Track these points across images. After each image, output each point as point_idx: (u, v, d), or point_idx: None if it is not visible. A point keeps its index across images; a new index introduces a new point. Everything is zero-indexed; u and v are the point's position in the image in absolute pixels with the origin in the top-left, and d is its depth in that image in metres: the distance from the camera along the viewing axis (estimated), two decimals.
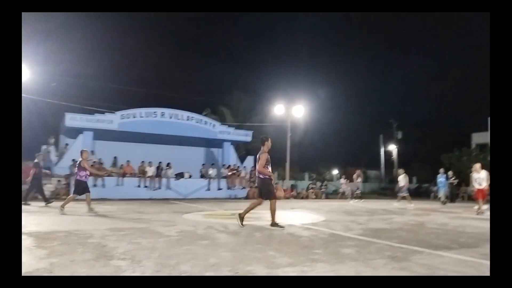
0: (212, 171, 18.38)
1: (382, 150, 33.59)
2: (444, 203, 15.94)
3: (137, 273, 3.24)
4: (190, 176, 18.12)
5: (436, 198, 17.77)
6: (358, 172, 18.64)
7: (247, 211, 6.79)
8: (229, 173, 18.64)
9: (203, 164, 19.13)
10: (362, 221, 8.16)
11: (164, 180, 17.07)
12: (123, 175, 16.40)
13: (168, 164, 17.59)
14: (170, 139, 18.72)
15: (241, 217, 6.69)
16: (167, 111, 18.29)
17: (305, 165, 32.99)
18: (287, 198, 18.58)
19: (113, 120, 17.03)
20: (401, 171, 16.40)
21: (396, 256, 4.24)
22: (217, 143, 20.42)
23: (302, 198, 19.16)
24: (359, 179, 18.37)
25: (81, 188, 8.89)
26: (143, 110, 17.81)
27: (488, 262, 3.98)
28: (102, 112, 17.50)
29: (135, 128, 17.35)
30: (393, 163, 32.98)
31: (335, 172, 34.59)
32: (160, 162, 17.43)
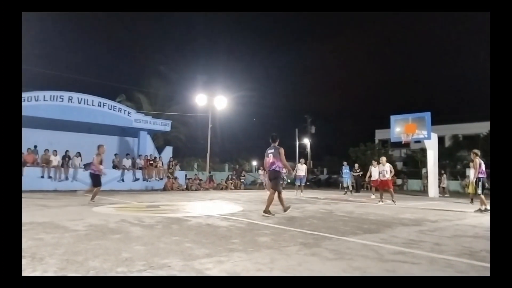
0: (126, 162, 17.44)
1: (297, 143, 35.26)
2: (345, 192, 17.44)
3: (38, 271, 2.92)
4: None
5: (342, 188, 19.29)
6: None
7: (282, 203, 7.54)
8: (145, 164, 17.89)
9: (116, 154, 18.04)
10: (277, 210, 8.47)
11: (71, 170, 15.73)
12: (23, 164, 14.72)
13: (77, 153, 16.23)
14: (79, 126, 17.25)
15: (267, 212, 7.25)
16: (76, 95, 16.78)
17: (225, 157, 33.24)
18: (206, 189, 18.50)
19: None
20: (302, 161, 17.49)
21: (308, 243, 4.49)
22: (133, 132, 19.40)
23: (221, 189, 19.25)
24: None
25: (99, 181, 9.57)
26: (48, 93, 16.07)
27: (386, 246, 4.43)
28: None
29: (38, 112, 15.57)
30: (307, 156, 34.89)
31: (254, 163, 35.44)
32: (67, 151, 16.00)
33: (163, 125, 20.00)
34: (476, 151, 9.75)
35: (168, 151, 20.74)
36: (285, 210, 7.50)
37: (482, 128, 34.24)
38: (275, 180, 7.50)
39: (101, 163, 9.63)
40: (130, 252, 3.75)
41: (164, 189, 16.98)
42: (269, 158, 7.54)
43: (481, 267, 3.49)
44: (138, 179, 17.45)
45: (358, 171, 19.27)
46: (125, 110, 18.55)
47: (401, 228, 6.12)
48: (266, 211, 7.27)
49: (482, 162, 9.58)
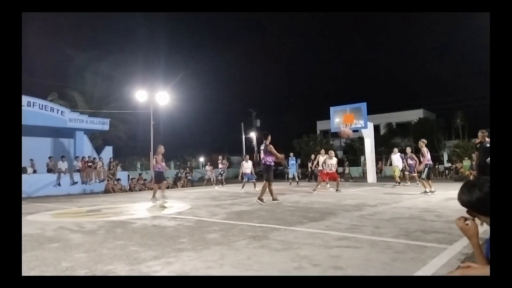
0: (62, 164, 16.33)
1: (243, 137, 35.46)
2: (290, 183, 17.95)
3: None
4: (34, 171, 15.71)
5: (288, 179, 19.78)
6: (220, 157, 19.23)
7: (272, 193, 8.69)
8: (84, 166, 16.88)
9: (50, 157, 16.82)
10: (226, 205, 8.48)
11: None
12: None
13: None
14: None
15: (260, 199, 8.37)
16: None
17: (170, 154, 32.42)
18: (152, 189, 17.90)
19: None
20: (246, 157, 17.31)
21: (257, 236, 4.54)
22: (68, 132, 18.19)
23: (167, 187, 18.75)
24: (221, 165, 19.00)
25: (162, 178, 10.35)
26: None
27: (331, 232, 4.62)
28: None
29: None
30: (253, 149, 35.23)
31: (201, 159, 35.05)
32: None
33: (101, 124, 18.99)
34: (424, 140, 10.53)
35: (108, 151, 19.78)
36: (274, 199, 8.61)
37: (412, 116, 37.02)
38: (267, 173, 8.68)
39: (162, 160, 10.47)
40: (70, 261, 3.53)
41: (106, 191, 16.17)
42: (261, 153, 8.82)
43: (416, 246, 3.78)
44: (76, 182, 16.45)
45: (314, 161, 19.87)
46: (58, 110, 17.31)
47: (343, 214, 6.41)
48: (260, 198, 8.39)
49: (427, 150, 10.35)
